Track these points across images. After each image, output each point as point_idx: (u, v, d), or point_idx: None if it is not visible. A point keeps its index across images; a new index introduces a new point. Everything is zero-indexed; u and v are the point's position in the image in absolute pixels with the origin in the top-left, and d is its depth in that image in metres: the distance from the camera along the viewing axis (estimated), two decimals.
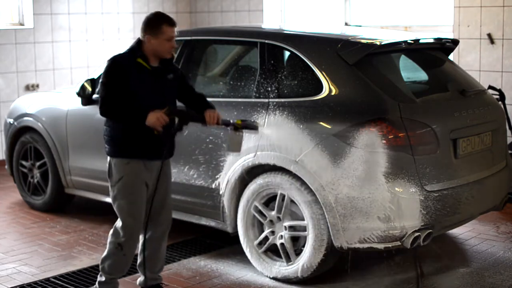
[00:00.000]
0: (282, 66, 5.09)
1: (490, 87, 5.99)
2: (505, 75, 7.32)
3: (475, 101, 5.09)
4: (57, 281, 5.01)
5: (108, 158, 4.45)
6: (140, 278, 4.70)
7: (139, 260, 4.65)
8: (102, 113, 4.34)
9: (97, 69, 6.30)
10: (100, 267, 4.53)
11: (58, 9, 8.97)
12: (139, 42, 4.39)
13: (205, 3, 10.11)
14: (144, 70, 4.32)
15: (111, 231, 4.48)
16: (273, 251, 5.02)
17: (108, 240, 4.49)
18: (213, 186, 5.22)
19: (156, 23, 4.33)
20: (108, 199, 6.04)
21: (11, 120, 6.90)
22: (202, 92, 5.49)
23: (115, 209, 4.46)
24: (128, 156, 4.35)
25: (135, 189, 4.39)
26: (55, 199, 6.61)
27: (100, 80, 4.36)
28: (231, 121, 4.57)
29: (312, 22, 9.26)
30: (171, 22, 4.36)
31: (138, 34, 4.48)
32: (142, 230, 4.52)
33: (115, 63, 4.31)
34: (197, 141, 5.29)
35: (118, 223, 4.45)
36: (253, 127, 4.68)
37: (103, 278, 4.53)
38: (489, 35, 7.33)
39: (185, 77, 4.72)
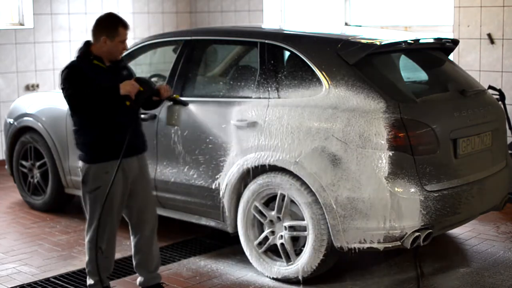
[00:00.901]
0: (282, 66, 5.09)
1: (490, 87, 5.98)
2: (505, 75, 7.32)
3: (475, 101, 5.09)
4: (57, 281, 5.02)
5: (82, 163, 4.43)
6: (140, 279, 4.71)
7: (134, 262, 4.68)
8: (74, 109, 4.33)
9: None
10: (86, 270, 4.56)
11: (58, 9, 8.97)
12: (88, 45, 4.47)
13: (205, 3, 10.11)
14: (101, 70, 4.39)
15: (87, 238, 4.48)
16: (273, 251, 5.02)
17: (87, 246, 4.50)
18: (213, 186, 5.22)
19: (112, 25, 4.42)
20: None
21: (11, 120, 6.90)
22: (202, 92, 5.53)
23: (88, 214, 4.47)
24: (107, 159, 4.36)
25: (116, 197, 4.40)
26: (55, 199, 6.61)
27: (61, 88, 4.36)
28: (173, 95, 4.96)
29: (312, 22, 9.26)
30: (126, 25, 4.47)
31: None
32: (132, 233, 4.58)
33: (74, 68, 4.36)
34: (197, 141, 5.29)
35: (92, 229, 4.44)
36: (185, 103, 5.12)
37: (92, 281, 4.56)
38: (489, 35, 7.32)
39: (134, 74, 4.76)
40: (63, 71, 4.40)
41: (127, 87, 4.27)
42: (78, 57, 4.45)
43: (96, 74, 4.34)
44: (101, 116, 4.34)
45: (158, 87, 4.54)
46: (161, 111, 5.54)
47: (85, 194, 4.45)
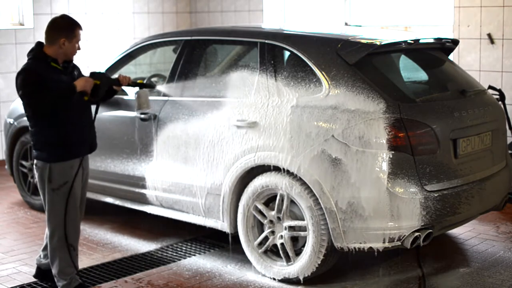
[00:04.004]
0: (282, 66, 5.09)
1: (490, 87, 5.99)
2: (505, 75, 7.32)
3: (475, 101, 5.09)
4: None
5: (40, 162, 4.54)
6: (44, 260, 4.84)
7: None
8: (37, 113, 4.44)
9: (97, 69, 6.30)
10: (56, 274, 4.64)
11: (58, 9, 8.96)
12: (40, 47, 4.52)
13: (205, 3, 10.11)
14: (57, 71, 4.50)
15: (55, 239, 4.57)
16: (273, 252, 5.02)
17: (55, 246, 4.58)
18: (213, 186, 5.22)
19: (71, 26, 4.51)
20: (109, 199, 6.09)
21: (11, 120, 6.90)
22: (202, 92, 5.52)
23: (50, 211, 4.56)
24: (71, 158, 4.53)
25: (77, 191, 4.59)
26: None
27: (21, 93, 4.43)
28: (136, 81, 5.03)
29: (312, 22, 9.26)
30: (81, 26, 4.58)
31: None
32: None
33: (31, 71, 4.43)
34: (197, 142, 5.29)
35: (65, 228, 4.55)
36: (152, 85, 5.12)
37: (63, 282, 4.64)
38: (489, 35, 7.33)
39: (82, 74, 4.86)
40: (19, 75, 4.46)
41: (81, 83, 4.45)
42: (32, 59, 4.52)
43: (52, 76, 4.44)
44: (61, 117, 4.46)
45: (118, 76, 4.81)
46: (161, 111, 5.54)
47: (50, 192, 4.55)
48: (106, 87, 4.65)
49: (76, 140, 4.55)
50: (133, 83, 5.08)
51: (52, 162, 4.51)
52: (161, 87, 5.64)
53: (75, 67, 4.72)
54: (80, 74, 4.71)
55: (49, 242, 4.63)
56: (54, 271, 4.66)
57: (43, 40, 4.59)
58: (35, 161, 4.61)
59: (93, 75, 4.57)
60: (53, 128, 4.49)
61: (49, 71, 4.44)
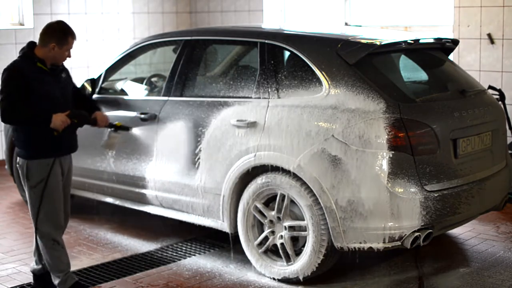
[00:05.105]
0: (282, 66, 5.09)
1: (490, 87, 5.99)
2: (505, 75, 7.32)
3: (475, 101, 5.09)
4: None
5: (21, 160, 4.59)
6: (38, 266, 4.83)
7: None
8: (4, 121, 4.50)
9: (97, 69, 6.31)
10: (50, 271, 4.68)
11: (58, 9, 8.97)
12: (31, 47, 4.58)
13: (205, 3, 10.11)
14: (43, 72, 4.53)
15: (39, 236, 4.60)
16: (273, 251, 5.02)
17: (41, 243, 4.62)
18: (213, 186, 5.22)
19: (63, 33, 4.56)
20: (109, 199, 6.09)
21: None
22: (202, 92, 5.52)
23: (33, 209, 4.58)
24: (48, 156, 4.55)
25: (57, 188, 4.60)
26: None
27: (0, 89, 4.47)
28: (113, 123, 4.99)
29: (312, 22, 9.27)
30: (74, 35, 4.62)
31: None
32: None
33: (16, 70, 4.49)
34: (197, 141, 5.29)
35: (43, 224, 4.58)
36: (127, 128, 5.07)
37: (59, 279, 4.66)
38: (489, 35, 7.33)
39: (71, 76, 4.91)
40: (4, 72, 4.50)
41: (57, 122, 4.47)
42: (21, 57, 4.58)
43: (37, 76, 4.48)
44: (37, 117, 4.47)
45: (94, 116, 4.81)
46: (161, 111, 5.54)
47: (30, 190, 4.58)
48: (81, 126, 4.71)
49: (55, 138, 4.54)
50: (109, 125, 5.09)
51: (28, 158, 4.54)
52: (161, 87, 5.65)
53: (64, 70, 4.75)
54: (68, 77, 4.75)
55: (36, 239, 4.68)
56: (48, 268, 4.70)
57: (31, 40, 4.68)
58: (18, 159, 4.65)
59: (71, 114, 4.57)
60: (30, 127, 4.53)
61: (34, 71, 4.49)
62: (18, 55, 4.63)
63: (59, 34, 4.53)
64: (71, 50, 4.62)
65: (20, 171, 4.61)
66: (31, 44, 4.61)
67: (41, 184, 4.54)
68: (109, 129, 5.45)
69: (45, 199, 4.55)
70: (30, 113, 4.44)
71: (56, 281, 4.68)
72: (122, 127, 4.93)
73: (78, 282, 4.74)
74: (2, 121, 4.51)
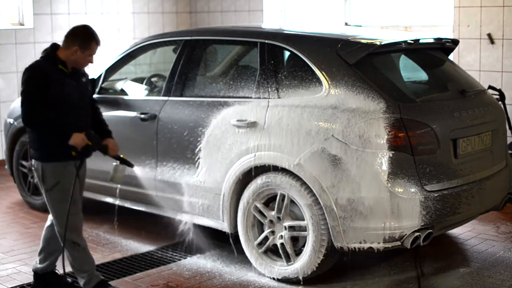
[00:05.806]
0: (282, 66, 5.09)
1: (490, 87, 5.99)
2: (505, 75, 7.32)
3: (475, 101, 5.09)
4: None
5: (36, 162, 4.55)
6: (41, 265, 4.81)
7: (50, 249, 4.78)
8: (26, 124, 4.47)
9: (97, 69, 6.31)
10: (75, 272, 4.67)
11: (58, 9, 8.97)
12: (54, 48, 4.54)
13: (205, 3, 10.11)
14: (64, 75, 4.50)
15: (61, 239, 4.57)
16: (273, 251, 5.02)
17: (65, 245, 4.59)
18: (213, 185, 5.22)
19: (87, 38, 4.52)
20: (109, 199, 6.09)
21: (11, 120, 6.90)
22: (202, 92, 5.52)
23: (53, 211, 4.57)
24: (63, 160, 4.51)
25: (73, 189, 4.55)
26: None
27: (22, 89, 4.44)
28: (120, 155, 4.90)
29: (312, 22, 9.26)
30: (99, 42, 4.58)
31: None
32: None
33: (38, 70, 4.45)
34: (197, 141, 5.29)
35: (60, 228, 4.55)
36: (131, 165, 4.97)
37: (83, 280, 4.64)
38: (489, 35, 7.33)
39: (90, 83, 4.87)
40: (26, 72, 4.47)
41: (77, 140, 4.43)
42: (43, 57, 4.55)
43: (58, 78, 4.45)
44: (56, 119, 4.45)
45: (106, 143, 4.72)
46: (161, 111, 5.54)
47: (46, 193, 4.56)
48: (95, 150, 4.68)
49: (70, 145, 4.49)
50: (116, 157, 5.02)
51: (43, 161, 4.51)
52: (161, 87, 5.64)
53: (84, 74, 4.72)
54: (87, 82, 4.72)
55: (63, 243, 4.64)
56: (74, 271, 4.69)
57: (55, 42, 4.64)
58: (32, 161, 4.61)
59: (88, 135, 4.54)
60: (48, 128, 4.48)
61: (56, 72, 4.45)
62: (40, 55, 4.59)
63: (83, 38, 4.50)
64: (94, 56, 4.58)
65: (35, 174, 4.59)
66: (54, 46, 4.57)
67: (56, 187, 4.51)
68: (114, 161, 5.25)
69: (62, 203, 4.51)
70: (52, 115, 4.40)
71: (81, 282, 4.66)
72: (126, 162, 4.92)
73: (103, 280, 4.71)
74: (23, 123, 4.48)
